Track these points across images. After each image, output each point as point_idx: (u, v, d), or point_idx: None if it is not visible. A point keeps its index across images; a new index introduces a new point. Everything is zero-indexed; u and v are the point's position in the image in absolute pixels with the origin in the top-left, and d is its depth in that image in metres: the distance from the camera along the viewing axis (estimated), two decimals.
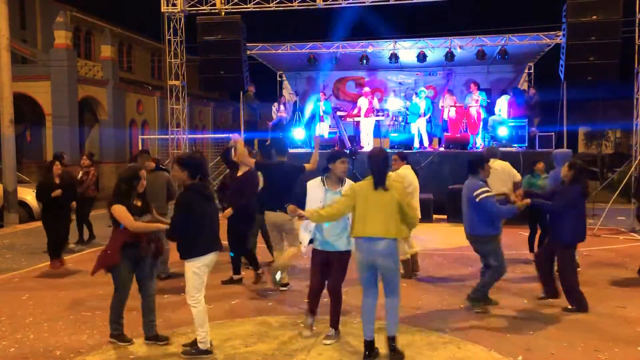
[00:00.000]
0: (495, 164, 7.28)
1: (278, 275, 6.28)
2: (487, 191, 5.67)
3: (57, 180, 8.16)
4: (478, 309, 5.85)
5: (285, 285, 6.85)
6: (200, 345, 4.67)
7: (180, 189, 4.95)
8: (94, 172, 10.20)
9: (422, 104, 14.89)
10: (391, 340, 4.62)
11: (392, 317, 4.63)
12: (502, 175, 7.37)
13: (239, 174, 7.03)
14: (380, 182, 4.54)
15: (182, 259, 4.71)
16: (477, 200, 5.61)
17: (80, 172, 10.17)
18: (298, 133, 15.58)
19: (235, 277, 7.20)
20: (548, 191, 6.43)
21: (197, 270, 4.64)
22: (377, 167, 4.59)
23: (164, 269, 7.30)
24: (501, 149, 13.97)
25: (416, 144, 14.73)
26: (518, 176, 7.74)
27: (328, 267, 5.03)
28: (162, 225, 4.96)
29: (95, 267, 4.91)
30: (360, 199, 4.55)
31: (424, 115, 14.87)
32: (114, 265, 4.85)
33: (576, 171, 6.04)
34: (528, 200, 5.98)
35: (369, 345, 4.58)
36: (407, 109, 15.65)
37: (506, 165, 7.68)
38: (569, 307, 5.90)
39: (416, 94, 15.57)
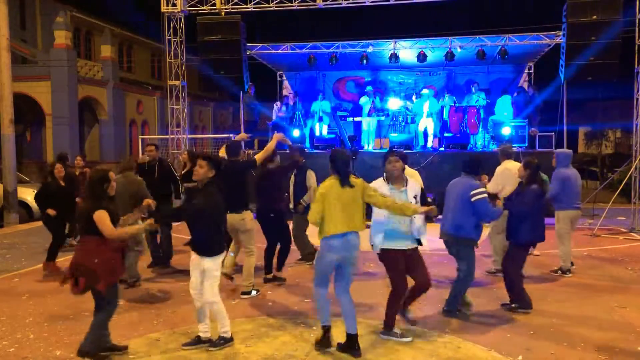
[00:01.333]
0: (510, 164, 7.24)
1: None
2: (485, 192, 5.65)
3: (62, 183, 8.14)
4: (461, 311, 5.79)
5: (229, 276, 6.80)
6: (225, 335, 4.89)
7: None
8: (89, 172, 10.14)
9: (425, 104, 14.91)
10: (356, 337, 4.71)
11: (354, 315, 4.74)
12: (516, 177, 7.30)
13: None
14: (346, 181, 4.68)
15: (211, 256, 4.76)
16: (472, 200, 5.52)
17: (77, 172, 10.14)
18: (297, 133, 15.56)
19: (270, 275, 7.23)
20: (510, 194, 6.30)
21: (219, 267, 4.88)
22: (341, 167, 4.73)
23: (134, 274, 7.04)
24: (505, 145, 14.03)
25: (428, 144, 14.77)
26: None
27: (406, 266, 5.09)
28: (141, 227, 4.89)
29: (105, 282, 4.45)
30: (331, 199, 4.62)
31: (429, 116, 14.89)
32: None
33: (532, 171, 6.00)
34: (501, 201, 6.19)
35: (329, 329, 4.81)
36: (407, 109, 15.64)
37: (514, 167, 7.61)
38: (509, 303, 5.96)
39: (417, 94, 15.58)
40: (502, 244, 7.35)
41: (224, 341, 4.86)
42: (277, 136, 6.89)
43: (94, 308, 4.64)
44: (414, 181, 5.13)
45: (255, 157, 6.70)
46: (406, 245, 4.96)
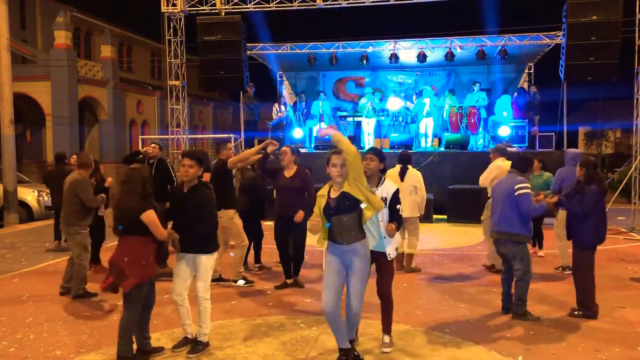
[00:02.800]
0: (504, 163, 7.33)
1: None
2: (529, 187, 5.60)
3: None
4: (531, 318, 5.61)
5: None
6: (203, 339, 4.79)
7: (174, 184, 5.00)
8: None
9: (427, 103, 14.93)
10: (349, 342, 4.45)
11: (354, 325, 4.54)
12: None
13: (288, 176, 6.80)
14: None
15: (207, 253, 4.75)
16: (515, 194, 5.48)
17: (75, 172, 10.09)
18: (297, 133, 15.59)
19: (289, 281, 7.06)
20: (569, 192, 6.05)
21: (214, 264, 4.95)
22: None
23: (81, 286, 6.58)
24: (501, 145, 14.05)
25: (422, 144, 14.78)
26: None
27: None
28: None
29: (131, 282, 4.36)
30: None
31: (429, 116, 14.91)
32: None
33: (589, 169, 5.77)
34: (555, 198, 5.88)
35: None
36: (407, 109, 15.65)
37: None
38: (578, 312, 5.73)
39: (417, 94, 15.58)
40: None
41: (202, 346, 4.76)
42: (267, 142, 6.62)
43: (123, 308, 4.52)
44: (391, 183, 4.81)
45: (229, 161, 6.73)
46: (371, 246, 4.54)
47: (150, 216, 4.41)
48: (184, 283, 4.78)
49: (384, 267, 4.71)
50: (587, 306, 5.71)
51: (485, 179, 7.47)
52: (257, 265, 8.02)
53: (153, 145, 8.36)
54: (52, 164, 10.79)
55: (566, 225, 5.97)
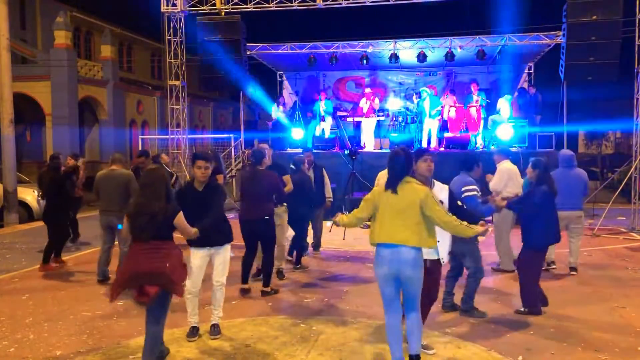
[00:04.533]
0: (511, 165, 7.43)
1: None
2: (476, 190, 5.68)
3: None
4: (477, 314, 5.76)
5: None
6: (219, 321, 5.29)
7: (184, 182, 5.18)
8: (82, 173, 10.00)
9: (426, 104, 14.89)
10: (415, 358, 4.25)
11: (416, 333, 4.26)
12: (517, 177, 7.42)
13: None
14: (390, 184, 4.21)
15: (228, 243, 5.22)
16: (463, 195, 5.55)
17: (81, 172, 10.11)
18: (297, 133, 15.58)
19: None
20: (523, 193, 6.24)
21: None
22: (391, 168, 4.26)
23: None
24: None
25: (425, 144, 14.75)
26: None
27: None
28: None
29: (182, 287, 4.32)
30: (381, 203, 4.22)
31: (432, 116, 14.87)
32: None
33: (540, 170, 5.92)
34: (505, 202, 6.05)
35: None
36: (407, 109, 15.64)
37: (514, 167, 7.69)
38: (521, 309, 5.83)
39: (417, 94, 15.56)
40: (506, 246, 7.53)
41: (218, 329, 5.23)
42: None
43: (151, 320, 4.34)
44: (441, 185, 4.74)
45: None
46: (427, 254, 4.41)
47: (181, 218, 4.39)
48: (201, 275, 5.15)
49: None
50: (531, 303, 5.80)
51: (497, 184, 7.32)
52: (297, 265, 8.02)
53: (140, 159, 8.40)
54: (45, 164, 10.78)
55: (521, 229, 6.05)
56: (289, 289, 6.91)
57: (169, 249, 4.29)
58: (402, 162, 4.20)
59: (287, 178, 7.17)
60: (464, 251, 5.68)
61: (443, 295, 5.91)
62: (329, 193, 8.78)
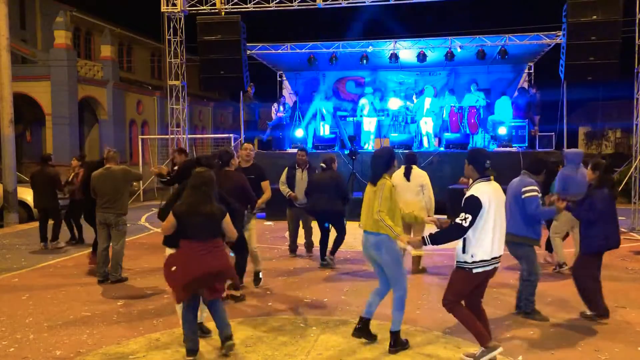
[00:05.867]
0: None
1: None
2: (537, 190, 5.53)
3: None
4: (538, 318, 5.63)
5: None
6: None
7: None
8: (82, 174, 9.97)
9: (427, 102, 14.91)
10: (392, 335, 4.75)
11: (394, 311, 4.77)
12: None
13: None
14: (370, 180, 4.88)
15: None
16: (522, 196, 5.44)
17: (72, 174, 10.02)
18: (298, 133, 15.59)
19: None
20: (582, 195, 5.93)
21: None
22: (371, 165, 4.93)
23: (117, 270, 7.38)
24: (501, 149, 14.06)
25: (424, 144, 14.77)
26: None
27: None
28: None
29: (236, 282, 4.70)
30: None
31: (428, 115, 14.89)
32: None
33: (601, 172, 5.70)
34: (565, 203, 5.69)
35: (360, 320, 4.92)
36: (407, 109, 15.64)
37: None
38: (591, 313, 5.66)
39: (418, 93, 15.57)
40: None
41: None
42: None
43: (215, 315, 4.62)
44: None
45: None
46: None
47: (228, 219, 4.60)
48: None
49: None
50: (596, 306, 5.63)
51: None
52: (330, 257, 8.19)
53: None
54: (38, 164, 10.78)
55: (580, 231, 5.90)
56: (289, 288, 6.91)
57: (222, 247, 4.61)
58: (382, 162, 4.81)
59: (265, 184, 6.91)
60: (519, 254, 5.61)
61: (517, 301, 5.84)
62: None
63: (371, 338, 4.92)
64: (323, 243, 8.19)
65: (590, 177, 5.85)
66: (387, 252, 4.71)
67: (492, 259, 4.33)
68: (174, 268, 4.40)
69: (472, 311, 4.49)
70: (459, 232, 4.26)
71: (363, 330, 4.90)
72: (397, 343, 4.74)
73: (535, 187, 5.54)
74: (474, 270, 4.31)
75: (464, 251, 4.32)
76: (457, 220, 4.26)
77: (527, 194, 5.47)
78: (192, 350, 4.57)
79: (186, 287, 4.40)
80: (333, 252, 8.13)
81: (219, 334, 4.64)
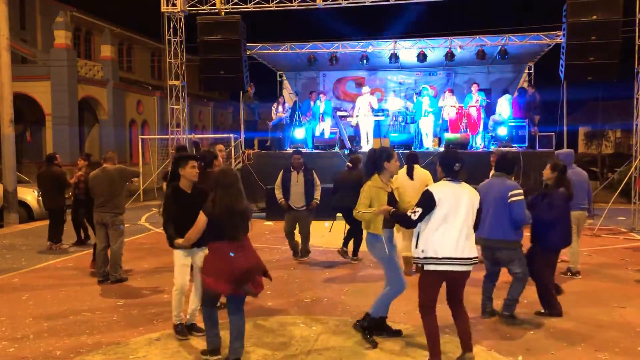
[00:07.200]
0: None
1: None
2: (522, 193, 5.44)
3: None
4: (517, 322, 5.59)
5: None
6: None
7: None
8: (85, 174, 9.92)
9: (425, 102, 14.90)
10: (367, 315, 5.07)
11: (377, 299, 5.08)
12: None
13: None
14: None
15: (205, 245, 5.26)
16: (510, 201, 5.34)
17: (79, 173, 10.01)
18: (298, 133, 15.59)
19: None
20: (534, 195, 6.01)
21: None
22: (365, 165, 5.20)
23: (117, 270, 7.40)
24: (501, 149, 14.04)
25: (425, 144, 14.77)
26: None
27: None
28: None
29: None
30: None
31: (427, 115, 14.87)
32: None
33: (559, 172, 5.86)
34: None
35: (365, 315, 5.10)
36: (407, 109, 15.64)
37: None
38: (542, 310, 5.77)
39: (417, 93, 15.56)
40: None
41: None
42: None
43: (233, 311, 4.49)
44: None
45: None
46: None
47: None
48: (188, 274, 5.23)
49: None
50: (550, 304, 5.75)
51: None
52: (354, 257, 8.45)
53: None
54: (42, 164, 10.79)
55: (531, 229, 5.86)
56: (289, 288, 6.91)
57: (250, 242, 4.58)
58: (369, 163, 5.05)
59: None
60: (512, 257, 5.52)
61: (483, 302, 5.77)
62: (317, 195, 8.52)
63: (394, 334, 5.10)
64: (356, 239, 8.33)
65: (547, 176, 5.97)
66: (375, 250, 5.03)
67: (445, 258, 4.22)
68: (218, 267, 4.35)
69: (453, 318, 4.50)
70: (408, 222, 4.37)
71: (380, 328, 5.10)
72: (365, 322, 5.02)
73: (521, 191, 5.47)
74: (425, 267, 4.31)
75: (416, 246, 4.38)
76: (409, 212, 4.35)
77: (514, 198, 5.36)
78: (215, 350, 4.57)
79: (227, 283, 4.31)
80: (355, 252, 8.43)
81: (229, 348, 4.48)
